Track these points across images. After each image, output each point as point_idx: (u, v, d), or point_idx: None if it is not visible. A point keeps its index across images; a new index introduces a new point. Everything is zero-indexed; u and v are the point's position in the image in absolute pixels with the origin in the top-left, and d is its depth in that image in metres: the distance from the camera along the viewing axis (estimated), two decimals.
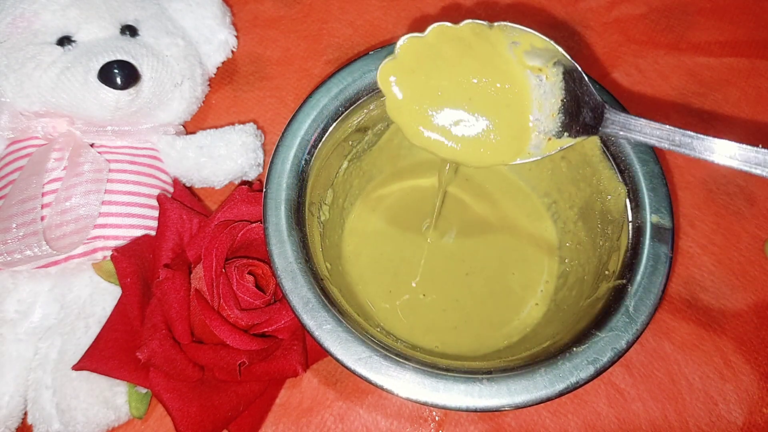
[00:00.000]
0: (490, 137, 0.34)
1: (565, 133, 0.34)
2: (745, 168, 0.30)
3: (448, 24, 0.33)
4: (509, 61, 0.33)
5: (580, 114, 0.33)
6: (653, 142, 0.32)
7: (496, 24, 0.33)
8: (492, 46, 0.33)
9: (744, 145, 0.30)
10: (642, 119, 0.32)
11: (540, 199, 0.45)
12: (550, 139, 0.34)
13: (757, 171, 0.30)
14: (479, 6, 0.56)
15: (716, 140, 0.30)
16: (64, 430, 0.36)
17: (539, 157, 0.34)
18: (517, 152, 0.34)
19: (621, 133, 0.33)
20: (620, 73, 0.53)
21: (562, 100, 0.33)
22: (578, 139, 0.33)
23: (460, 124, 0.34)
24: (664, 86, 0.53)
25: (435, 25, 0.33)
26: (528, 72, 0.33)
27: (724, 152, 0.30)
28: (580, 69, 0.33)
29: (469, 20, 0.33)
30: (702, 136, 0.31)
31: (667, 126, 0.31)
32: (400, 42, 0.33)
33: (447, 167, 0.38)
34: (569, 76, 0.33)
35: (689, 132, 0.31)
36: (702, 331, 0.43)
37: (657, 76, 0.53)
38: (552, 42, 0.33)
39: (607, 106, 0.33)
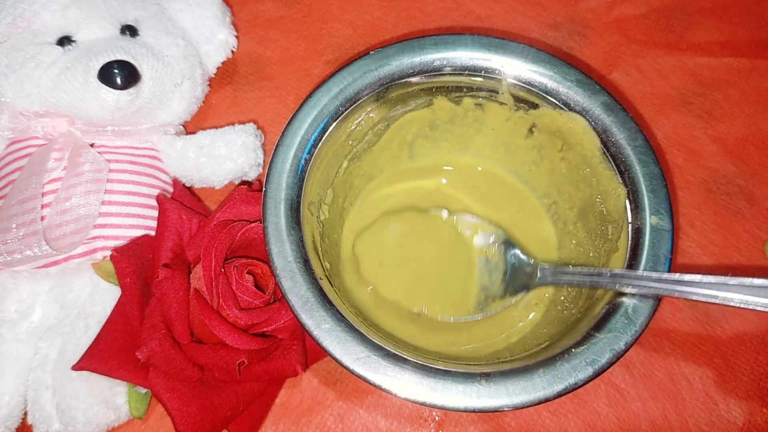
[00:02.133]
0: (444, 296, 0.41)
1: (507, 294, 0.40)
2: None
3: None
4: (465, 244, 0.41)
5: (519, 278, 0.40)
6: (580, 283, 0.37)
7: (456, 215, 0.42)
8: (455, 230, 0.42)
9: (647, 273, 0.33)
10: (569, 268, 0.38)
11: (539, 200, 0.45)
12: (494, 300, 0.40)
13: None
14: (480, 6, 0.56)
15: (625, 273, 0.34)
16: (64, 430, 0.36)
17: (482, 316, 0.40)
18: (466, 311, 0.40)
19: (550, 279, 0.38)
20: (620, 73, 0.53)
21: (504, 272, 0.40)
22: (518, 296, 0.40)
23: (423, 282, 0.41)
24: (664, 86, 0.53)
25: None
26: (478, 256, 0.41)
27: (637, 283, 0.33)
28: (513, 241, 0.41)
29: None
30: (621, 273, 0.34)
31: (591, 269, 0.36)
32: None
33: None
34: (509, 245, 0.41)
35: (613, 271, 0.34)
36: (702, 331, 0.43)
37: (657, 76, 0.53)
38: (492, 225, 0.42)
39: (539, 264, 0.39)
